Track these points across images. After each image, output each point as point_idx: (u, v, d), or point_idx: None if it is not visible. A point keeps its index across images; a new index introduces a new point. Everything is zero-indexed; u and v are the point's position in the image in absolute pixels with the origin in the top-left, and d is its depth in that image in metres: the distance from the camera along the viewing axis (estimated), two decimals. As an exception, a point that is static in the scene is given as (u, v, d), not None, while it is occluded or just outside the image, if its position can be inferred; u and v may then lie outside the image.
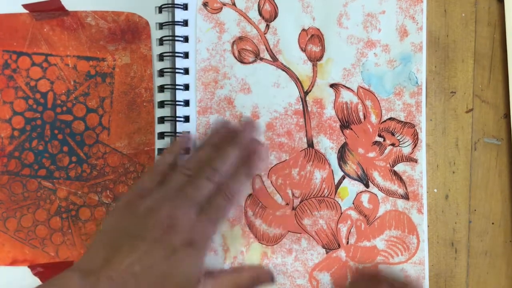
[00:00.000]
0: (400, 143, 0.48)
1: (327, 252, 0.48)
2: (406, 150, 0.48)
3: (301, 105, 0.49)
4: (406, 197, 0.48)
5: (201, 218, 0.42)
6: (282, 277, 0.49)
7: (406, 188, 0.48)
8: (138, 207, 0.43)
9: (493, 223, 0.49)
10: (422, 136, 0.48)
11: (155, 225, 0.41)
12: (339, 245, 0.48)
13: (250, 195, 0.49)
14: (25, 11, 0.52)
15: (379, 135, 0.48)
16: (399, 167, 0.48)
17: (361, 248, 0.48)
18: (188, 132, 0.49)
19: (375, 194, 0.48)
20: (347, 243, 0.48)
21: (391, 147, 0.48)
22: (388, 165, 0.48)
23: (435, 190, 0.49)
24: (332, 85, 0.49)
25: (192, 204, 0.43)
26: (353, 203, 0.48)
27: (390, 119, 0.48)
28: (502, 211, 0.49)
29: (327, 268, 0.48)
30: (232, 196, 0.44)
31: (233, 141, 0.46)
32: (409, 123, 0.48)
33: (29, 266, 0.52)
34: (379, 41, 0.48)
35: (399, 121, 0.48)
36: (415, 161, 0.48)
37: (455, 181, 0.49)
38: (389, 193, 0.48)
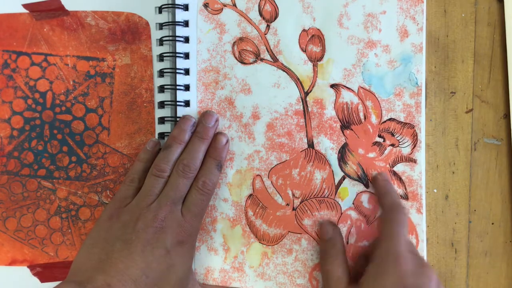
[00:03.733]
0: (400, 143, 0.48)
1: None
2: (405, 150, 0.48)
3: (302, 106, 0.49)
4: (405, 197, 0.48)
5: (185, 216, 0.44)
6: (282, 277, 0.49)
7: (405, 189, 0.48)
8: (123, 216, 0.44)
9: (493, 223, 0.49)
10: (422, 136, 0.48)
11: (144, 229, 0.43)
12: None
13: (250, 195, 0.49)
14: (25, 11, 0.52)
15: (379, 136, 0.48)
16: (398, 168, 0.48)
17: (361, 248, 0.48)
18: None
19: (375, 194, 0.48)
20: (347, 243, 0.48)
21: (391, 147, 0.48)
22: (387, 166, 0.48)
23: (435, 190, 0.49)
24: (332, 86, 0.49)
25: (174, 203, 0.44)
26: (353, 203, 0.48)
27: (390, 119, 0.48)
28: (502, 211, 0.49)
29: None
30: (208, 189, 0.46)
31: (197, 136, 0.47)
32: (409, 123, 0.48)
33: (28, 266, 0.51)
34: (379, 42, 0.48)
35: (399, 122, 0.48)
36: (415, 161, 0.48)
37: (455, 181, 0.49)
38: None
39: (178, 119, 0.49)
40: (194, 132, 0.48)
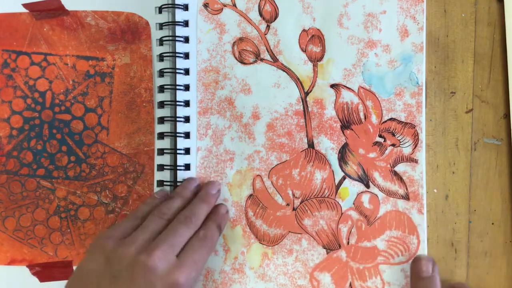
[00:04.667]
0: (401, 143, 0.48)
1: (327, 253, 0.48)
2: (406, 150, 0.48)
3: (302, 106, 0.49)
4: (406, 197, 0.48)
5: (182, 261, 0.42)
6: (283, 278, 0.48)
7: (406, 189, 0.48)
8: (116, 249, 0.42)
9: (493, 223, 0.49)
10: (423, 136, 0.48)
11: (135, 266, 0.40)
12: (339, 246, 0.48)
13: (250, 195, 0.49)
14: (25, 10, 0.52)
15: (380, 136, 0.48)
16: (399, 168, 0.48)
17: (362, 249, 0.48)
18: (189, 132, 0.49)
19: (376, 195, 0.48)
20: (348, 243, 0.48)
21: (392, 147, 0.48)
22: (388, 166, 0.48)
23: (435, 190, 0.49)
24: (332, 86, 0.49)
25: (171, 247, 0.42)
26: (353, 204, 0.48)
27: (391, 119, 0.48)
28: (502, 211, 0.49)
29: (328, 268, 0.48)
30: (208, 241, 0.44)
31: (199, 198, 0.47)
32: (410, 123, 0.48)
33: (27, 266, 0.51)
34: (379, 41, 0.48)
35: (400, 122, 0.48)
36: (416, 161, 0.48)
37: (455, 181, 0.49)
38: (389, 193, 0.48)
39: (178, 119, 0.49)
40: (197, 196, 0.48)
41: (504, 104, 0.49)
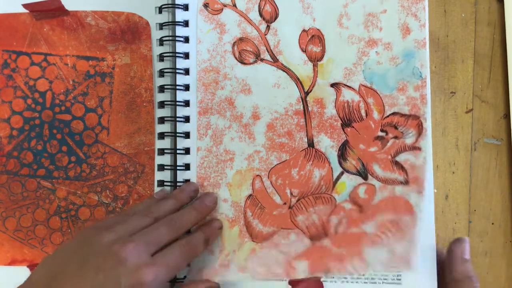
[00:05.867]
0: (404, 135, 0.47)
1: (313, 244, 0.47)
2: (409, 140, 0.47)
3: (302, 105, 0.49)
4: (405, 182, 0.47)
5: (155, 260, 0.41)
6: (259, 267, 0.48)
7: (407, 175, 0.47)
8: (93, 236, 0.41)
9: (493, 223, 0.49)
10: (428, 125, 0.46)
11: (105, 253, 0.40)
12: (326, 235, 0.47)
13: (250, 195, 0.49)
14: (25, 10, 0.52)
15: (382, 130, 0.48)
16: (401, 157, 0.47)
17: (349, 235, 0.47)
18: (187, 132, 0.49)
19: (373, 185, 0.47)
20: (336, 232, 0.47)
21: (394, 140, 0.47)
22: (389, 157, 0.47)
23: (435, 190, 0.49)
24: (333, 85, 0.49)
25: (146, 244, 0.41)
26: (349, 196, 0.48)
27: (394, 113, 0.47)
28: (502, 211, 0.49)
29: (307, 256, 0.47)
30: (189, 249, 0.44)
31: (193, 206, 0.47)
32: (414, 115, 0.47)
33: (28, 266, 0.51)
34: (380, 40, 0.48)
35: (403, 115, 0.47)
36: (419, 149, 0.46)
37: (455, 181, 0.49)
38: (387, 181, 0.47)
39: (178, 119, 0.49)
40: (191, 204, 0.48)
41: (504, 104, 0.49)
